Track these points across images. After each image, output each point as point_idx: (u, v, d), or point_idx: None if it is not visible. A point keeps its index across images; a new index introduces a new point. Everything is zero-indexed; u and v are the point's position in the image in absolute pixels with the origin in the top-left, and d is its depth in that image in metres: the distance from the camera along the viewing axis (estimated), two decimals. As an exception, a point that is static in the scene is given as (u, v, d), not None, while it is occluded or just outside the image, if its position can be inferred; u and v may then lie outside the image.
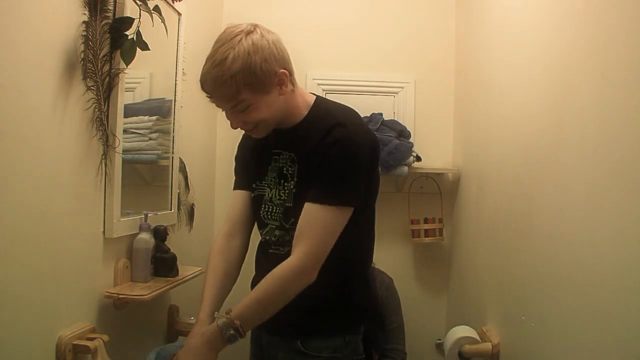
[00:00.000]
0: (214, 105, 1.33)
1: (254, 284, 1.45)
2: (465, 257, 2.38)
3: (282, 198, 1.38)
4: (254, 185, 1.44)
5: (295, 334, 1.39)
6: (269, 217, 1.41)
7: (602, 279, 1.19)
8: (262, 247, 1.48)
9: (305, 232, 1.29)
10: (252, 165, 1.46)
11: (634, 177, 1.08)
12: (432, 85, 2.65)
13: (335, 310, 1.39)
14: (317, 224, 1.28)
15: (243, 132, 1.40)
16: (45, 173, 1.25)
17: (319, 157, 1.30)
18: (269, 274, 1.30)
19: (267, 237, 1.43)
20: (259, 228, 1.45)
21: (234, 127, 1.34)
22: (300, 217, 1.30)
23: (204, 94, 1.31)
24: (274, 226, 1.40)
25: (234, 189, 1.50)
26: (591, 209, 1.25)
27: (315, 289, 1.29)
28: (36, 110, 1.21)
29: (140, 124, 1.73)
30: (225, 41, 1.27)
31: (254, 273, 1.50)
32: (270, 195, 1.41)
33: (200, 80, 1.30)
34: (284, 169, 1.38)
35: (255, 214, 1.45)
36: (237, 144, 1.55)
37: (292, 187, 1.37)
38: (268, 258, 1.42)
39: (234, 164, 1.54)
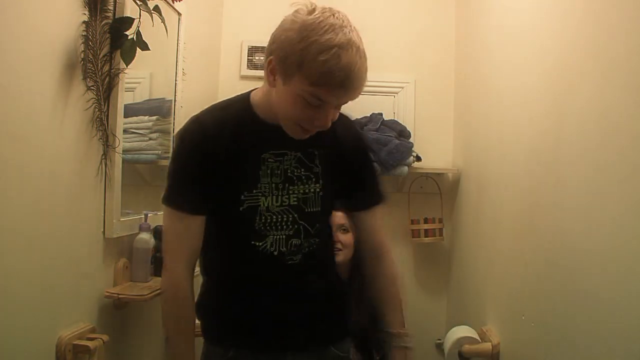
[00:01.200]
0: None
1: (261, 300, 1.27)
2: (465, 257, 2.38)
3: (285, 204, 1.25)
4: (242, 197, 1.23)
5: (329, 340, 1.33)
6: (272, 227, 1.25)
7: (602, 278, 1.19)
8: (267, 260, 1.26)
9: (380, 232, 1.39)
10: (233, 176, 1.23)
11: (634, 177, 1.08)
12: (432, 86, 2.65)
13: (348, 304, 1.43)
14: (381, 222, 1.41)
15: (192, 143, 1.21)
16: (45, 173, 1.25)
17: (357, 159, 1.35)
18: (388, 280, 1.39)
19: (282, 249, 1.25)
20: (256, 241, 1.24)
21: (328, 125, 1.18)
22: (369, 219, 1.37)
23: (325, 89, 1.10)
24: (285, 235, 1.25)
25: (191, 212, 1.22)
26: (591, 208, 1.24)
27: (334, 289, 1.36)
28: (36, 110, 1.21)
29: (140, 124, 1.73)
30: (350, 27, 1.12)
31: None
32: (267, 204, 1.24)
33: (343, 69, 1.08)
34: (289, 171, 1.25)
35: (244, 228, 1.24)
36: (181, 161, 1.24)
37: (317, 190, 1.27)
38: (286, 271, 1.27)
39: (181, 184, 1.24)
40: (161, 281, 1.29)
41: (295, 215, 1.26)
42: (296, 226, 1.26)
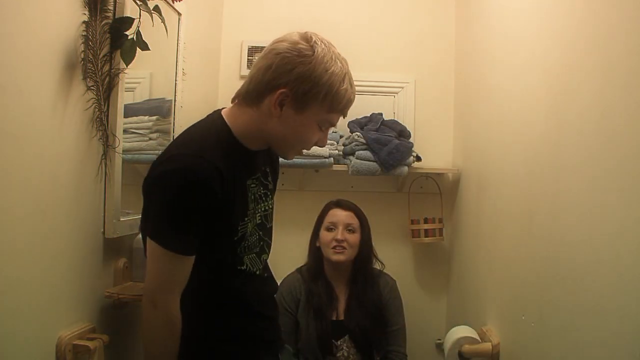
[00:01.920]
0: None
1: (255, 311, 1.33)
2: (465, 257, 2.38)
3: (256, 223, 1.30)
4: (238, 228, 1.23)
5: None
6: (246, 249, 1.27)
7: (601, 279, 1.19)
8: (250, 279, 1.30)
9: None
10: (231, 208, 1.20)
11: (634, 178, 1.08)
12: (432, 86, 2.65)
13: None
14: None
15: (196, 180, 1.11)
16: (45, 173, 1.25)
17: (278, 167, 1.47)
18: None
19: (260, 267, 1.32)
20: (239, 265, 1.26)
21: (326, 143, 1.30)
22: None
23: (339, 114, 1.23)
24: (254, 254, 1.30)
25: (187, 254, 1.17)
26: (591, 209, 1.25)
27: None
28: (36, 110, 1.21)
29: (140, 124, 1.73)
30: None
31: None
32: (250, 229, 1.27)
33: (354, 92, 1.21)
34: (257, 192, 1.29)
35: (230, 255, 1.25)
36: (188, 202, 1.12)
37: (272, 204, 1.37)
38: (263, 283, 1.35)
39: (186, 227, 1.14)
40: (151, 319, 1.19)
41: (261, 233, 1.32)
42: (261, 243, 1.33)
